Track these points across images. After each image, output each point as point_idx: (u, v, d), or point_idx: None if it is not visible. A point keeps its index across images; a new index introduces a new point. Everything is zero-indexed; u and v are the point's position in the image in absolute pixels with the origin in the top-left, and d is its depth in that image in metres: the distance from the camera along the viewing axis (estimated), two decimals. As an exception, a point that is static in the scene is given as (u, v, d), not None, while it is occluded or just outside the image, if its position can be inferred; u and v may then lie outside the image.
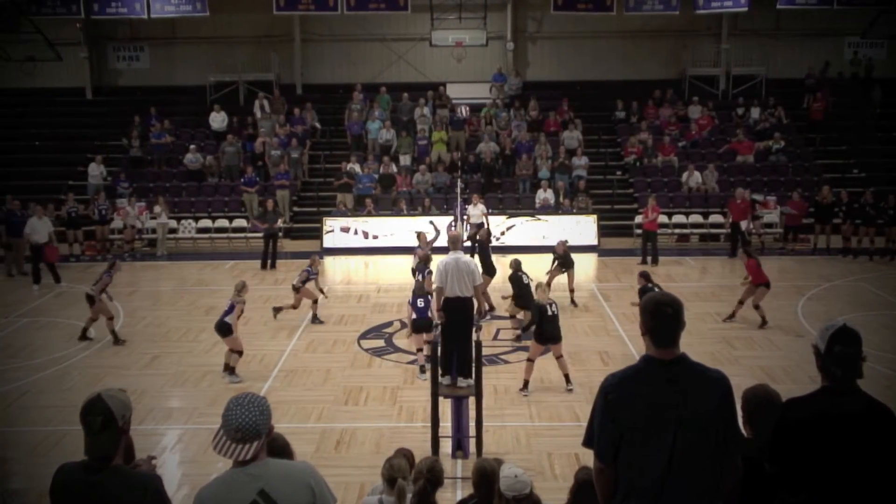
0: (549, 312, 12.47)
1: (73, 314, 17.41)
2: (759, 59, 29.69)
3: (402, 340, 15.51)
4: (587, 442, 4.20)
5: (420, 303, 13.34)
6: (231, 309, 13.51)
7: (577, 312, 17.16)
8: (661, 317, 4.06)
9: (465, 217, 21.70)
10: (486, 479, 5.96)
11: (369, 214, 23.70)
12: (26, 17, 26.12)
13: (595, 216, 23.52)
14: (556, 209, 23.98)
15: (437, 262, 11.30)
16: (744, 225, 22.58)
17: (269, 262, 21.40)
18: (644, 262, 21.27)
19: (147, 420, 11.67)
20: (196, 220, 24.99)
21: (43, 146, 28.60)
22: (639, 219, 23.22)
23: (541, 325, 12.47)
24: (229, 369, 13.42)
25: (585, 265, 22.05)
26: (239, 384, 13.05)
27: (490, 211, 22.65)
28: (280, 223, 22.47)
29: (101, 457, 3.87)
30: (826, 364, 4.21)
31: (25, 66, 27.76)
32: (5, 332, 16.45)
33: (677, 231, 24.49)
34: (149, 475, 3.98)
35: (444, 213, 23.70)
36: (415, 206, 24.36)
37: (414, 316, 13.40)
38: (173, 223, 24.35)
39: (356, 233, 23.39)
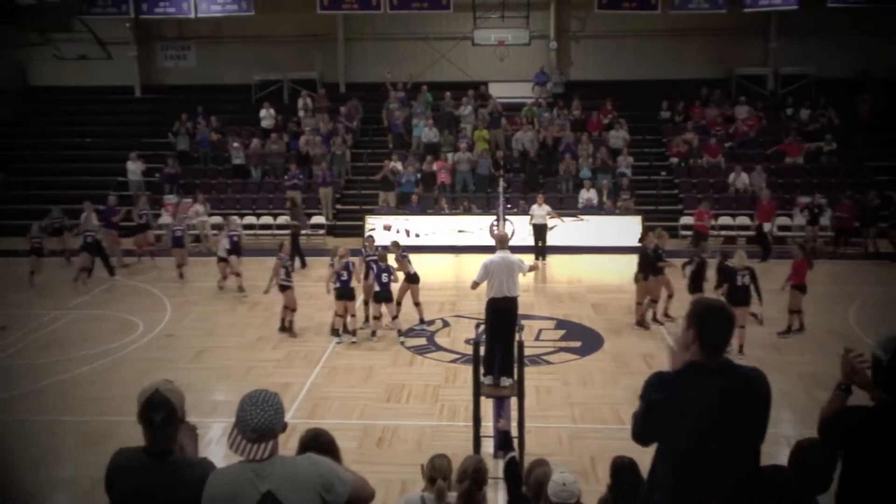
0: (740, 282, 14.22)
1: (122, 307, 17.79)
2: (808, 58, 29.18)
3: (443, 339, 15.57)
4: (633, 434, 4.22)
5: (343, 275, 15.02)
6: (350, 275, 15.00)
7: (621, 314, 17.06)
8: (712, 324, 4.03)
9: (529, 214, 22.09)
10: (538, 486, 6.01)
11: (412, 213, 23.75)
12: (79, 17, 26.58)
13: (640, 217, 23.33)
14: (599, 209, 23.85)
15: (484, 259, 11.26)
16: (767, 227, 22.32)
17: (297, 260, 21.24)
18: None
19: (192, 413, 11.76)
20: (241, 216, 25.18)
21: (94, 143, 29.13)
22: (689, 220, 23.08)
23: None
24: (335, 331, 15.26)
25: (628, 266, 21.89)
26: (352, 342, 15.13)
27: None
28: (307, 220, 22.80)
29: (163, 451, 3.92)
30: (891, 377, 4.02)
31: (78, 64, 28.26)
32: (58, 323, 16.82)
33: (723, 233, 24.20)
34: (209, 464, 4.03)
35: (486, 212, 23.69)
36: (456, 205, 24.38)
37: (337, 285, 15.06)
38: (214, 220, 24.49)
39: (398, 231, 23.45)
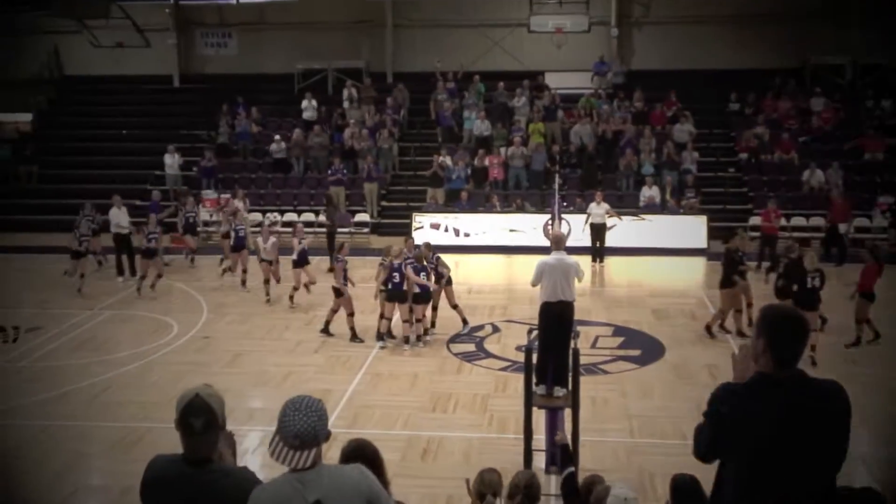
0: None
1: (156, 308, 18.00)
2: (890, 47, 28.49)
3: (493, 345, 15.51)
4: (695, 451, 4.14)
5: (396, 277, 15.03)
6: (402, 276, 14.96)
7: (684, 321, 16.85)
8: (786, 333, 3.92)
9: (587, 213, 21.73)
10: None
11: (462, 211, 23.70)
12: (116, 3, 27.06)
13: (705, 217, 23.05)
14: (661, 208, 23.60)
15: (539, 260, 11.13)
16: (842, 228, 21.89)
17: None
18: (759, 267, 20.74)
19: (228, 421, 11.89)
20: (282, 213, 25.39)
21: (130, 135, 29.60)
22: (756, 220, 22.73)
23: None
24: (380, 335, 15.38)
25: (693, 270, 21.69)
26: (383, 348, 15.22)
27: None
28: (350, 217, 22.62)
29: (202, 458, 3.92)
30: None
31: (114, 52, 28.78)
32: (89, 324, 17.08)
33: (796, 234, 23.75)
34: (249, 474, 4.03)
35: (541, 210, 23.57)
36: (509, 202, 24.30)
37: (389, 286, 15.08)
38: (254, 216, 24.60)
39: (447, 230, 23.43)
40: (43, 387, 13.53)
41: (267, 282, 18.47)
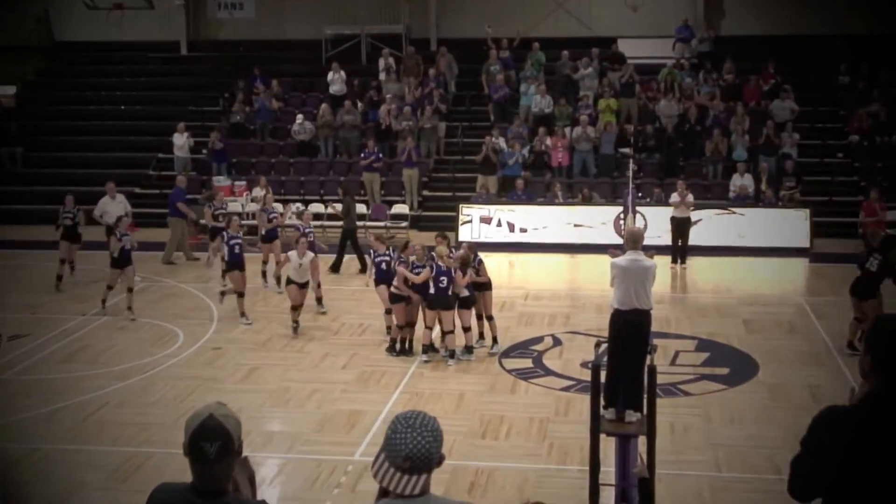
0: None
1: (158, 314, 18.18)
2: None
3: (553, 360, 15.50)
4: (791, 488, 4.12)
5: (443, 281, 14.97)
6: (450, 281, 14.95)
7: (782, 334, 16.71)
8: (895, 348, 3.90)
9: (672, 203, 21.55)
10: None
11: (518, 202, 23.67)
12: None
13: (807, 210, 22.83)
14: (756, 200, 23.42)
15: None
16: None
17: (340, 265, 21.03)
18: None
19: (244, 445, 12.02)
20: (305, 203, 25.46)
21: (130, 111, 29.96)
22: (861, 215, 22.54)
23: None
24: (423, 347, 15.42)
25: (793, 273, 21.50)
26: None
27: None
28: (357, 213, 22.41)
29: (215, 490, 3.95)
30: None
31: (112, 15, 29.11)
32: (82, 331, 17.31)
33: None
34: None
35: (611, 202, 23.49)
36: (574, 192, 24.25)
37: (432, 291, 15.02)
38: (278, 207, 24.73)
39: (500, 224, 23.44)
40: (29, 403, 13.72)
41: (295, 308, 17.00)
